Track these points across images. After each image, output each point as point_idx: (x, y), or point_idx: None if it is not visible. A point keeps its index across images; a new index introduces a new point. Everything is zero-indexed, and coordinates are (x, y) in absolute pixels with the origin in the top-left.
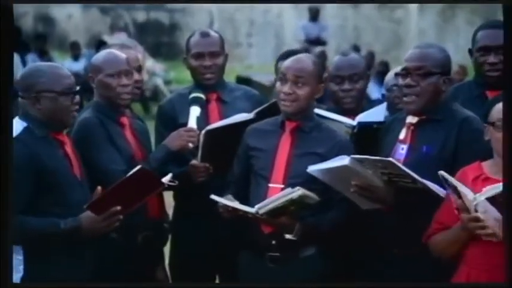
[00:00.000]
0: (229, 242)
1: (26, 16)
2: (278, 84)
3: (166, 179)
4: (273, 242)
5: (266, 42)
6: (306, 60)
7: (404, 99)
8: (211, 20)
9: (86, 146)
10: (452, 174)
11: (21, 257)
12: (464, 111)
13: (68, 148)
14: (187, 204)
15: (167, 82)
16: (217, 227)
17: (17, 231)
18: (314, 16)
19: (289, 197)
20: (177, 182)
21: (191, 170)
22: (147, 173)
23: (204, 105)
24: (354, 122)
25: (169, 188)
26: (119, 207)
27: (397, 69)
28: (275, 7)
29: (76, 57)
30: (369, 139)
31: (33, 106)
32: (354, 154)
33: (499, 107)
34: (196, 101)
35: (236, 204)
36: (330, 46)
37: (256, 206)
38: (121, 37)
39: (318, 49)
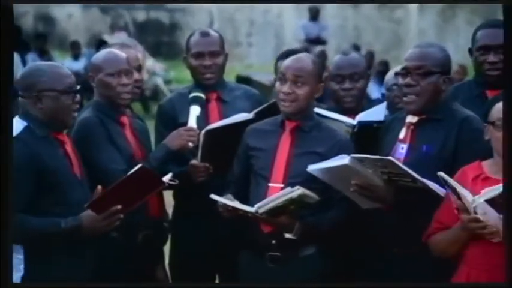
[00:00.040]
0: (229, 241)
1: (26, 15)
2: (277, 84)
3: (166, 178)
4: (273, 241)
5: (266, 41)
6: (305, 59)
7: (404, 98)
8: (212, 19)
9: (86, 145)
10: (452, 173)
11: (21, 256)
12: (464, 111)
13: (68, 147)
14: (187, 203)
15: (167, 81)
16: (217, 227)
17: (17, 230)
18: (314, 16)
19: (289, 196)
20: (177, 181)
21: (191, 169)
22: (148, 171)
23: (204, 104)
24: (354, 121)
25: (169, 187)
26: (119, 206)
27: (397, 68)
28: (275, 7)
29: (76, 57)
30: (369, 138)
31: (35, 105)
32: (353, 153)
33: (499, 106)
34: (196, 101)
35: (236, 204)
36: (330, 46)
37: (256, 205)
38: (121, 36)
39: (318, 49)
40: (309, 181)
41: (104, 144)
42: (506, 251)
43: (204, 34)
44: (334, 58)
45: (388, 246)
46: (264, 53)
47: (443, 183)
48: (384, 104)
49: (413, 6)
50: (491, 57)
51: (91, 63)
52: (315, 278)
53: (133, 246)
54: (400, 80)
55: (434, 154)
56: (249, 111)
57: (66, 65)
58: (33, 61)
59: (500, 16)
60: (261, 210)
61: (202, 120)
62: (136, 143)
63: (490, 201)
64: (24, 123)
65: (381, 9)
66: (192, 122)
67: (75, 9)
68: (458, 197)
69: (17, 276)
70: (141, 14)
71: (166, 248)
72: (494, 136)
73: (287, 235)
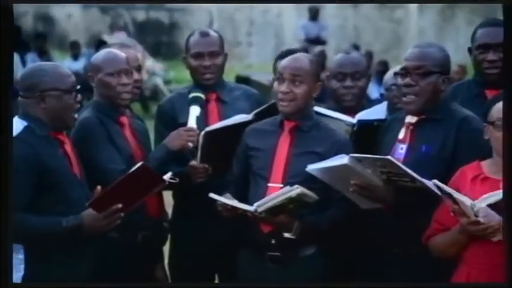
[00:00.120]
0: (229, 241)
1: (25, 15)
2: (275, 83)
3: (167, 177)
4: (273, 241)
5: (266, 41)
6: (302, 59)
7: (404, 98)
8: (211, 19)
9: (85, 145)
10: (452, 173)
11: (22, 256)
12: (463, 111)
13: (68, 147)
14: (187, 203)
15: (167, 81)
16: (216, 227)
17: (18, 230)
18: (314, 16)
19: (288, 195)
20: (177, 179)
21: (190, 170)
22: (149, 169)
23: (203, 105)
24: (354, 120)
25: (169, 187)
26: (120, 205)
27: (396, 68)
28: (275, 6)
29: (76, 57)
30: (369, 137)
31: (37, 105)
32: (353, 153)
33: (498, 106)
34: (196, 101)
35: (235, 203)
36: (330, 46)
37: (255, 204)
38: (121, 36)
39: (317, 49)
40: (308, 181)
41: (103, 144)
42: (506, 251)
43: (204, 34)
44: (335, 56)
45: (387, 246)
46: (264, 52)
47: (437, 191)
48: (385, 103)
49: (413, 6)
50: (491, 56)
51: (91, 63)
52: (314, 278)
53: (132, 246)
54: (400, 80)
55: (433, 154)
56: (248, 112)
57: (66, 65)
58: (33, 61)
59: (500, 16)
60: (260, 209)
61: (202, 120)
62: (136, 143)
63: (491, 204)
64: (24, 123)
65: (381, 9)
66: (192, 122)
67: (74, 9)
68: (454, 201)
69: (17, 276)
70: (140, 14)
71: (166, 248)
72: (494, 136)
73: (286, 234)
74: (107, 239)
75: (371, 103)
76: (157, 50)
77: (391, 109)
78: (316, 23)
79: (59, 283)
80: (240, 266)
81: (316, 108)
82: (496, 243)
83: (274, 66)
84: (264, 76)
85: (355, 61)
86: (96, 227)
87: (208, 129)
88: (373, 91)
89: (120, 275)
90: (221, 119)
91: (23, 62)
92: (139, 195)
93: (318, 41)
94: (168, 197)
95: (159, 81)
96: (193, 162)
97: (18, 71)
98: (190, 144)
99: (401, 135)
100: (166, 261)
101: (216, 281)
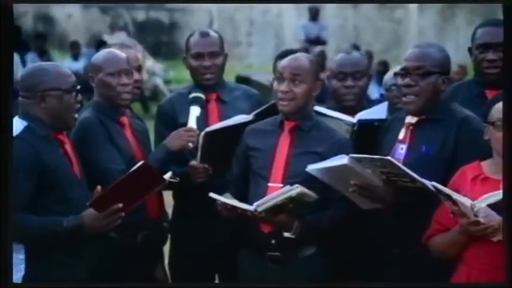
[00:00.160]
0: (229, 241)
1: (26, 15)
2: (275, 83)
3: (167, 176)
4: (273, 241)
5: (266, 41)
6: (302, 58)
7: (404, 99)
8: (211, 19)
9: (85, 145)
10: (452, 173)
11: (23, 256)
12: (463, 111)
13: (68, 147)
14: (187, 203)
15: (167, 82)
16: (216, 227)
17: (19, 229)
18: (314, 16)
19: (288, 194)
20: (178, 178)
21: (190, 171)
22: (149, 168)
23: (203, 105)
24: (354, 120)
25: (169, 187)
26: (120, 205)
27: (396, 68)
28: (275, 7)
29: (76, 57)
30: (369, 137)
31: (38, 105)
32: (353, 153)
33: (499, 106)
34: (196, 101)
35: (235, 202)
36: (330, 46)
37: (255, 204)
38: (121, 36)
39: (317, 49)
40: (308, 181)
41: (103, 144)
42: (506, 251)
43: (204, 34)
44: (336, 56)
45: (387, 246)
46: (264, 53)
47: (436, 193)
48: (385, 103)
49: (413, 6)
50: (490, 55)
51: (91, 63)
52: (314, 278)
53: (133, 246)
54: (399, 80)
55: (433, 154)
56: (248, 112)
57: (66, 65)
58: (33, 61)
59: (500, 16)
60: (260, 209)
61: (202, 120)
62: (136, 143)
63: (491, 205)
64: (25, 123)
65: (381, 9)
66: (192, 123)
67: (74, 9)
68: (454, 203)
69: (18, 276)
70: (140, 14)
71: (166, 248)
72: (494, 136)
73: (286, 234)
74: (107, 239)
75: (371, 103)
76: (157, 50)
77: (391, 109)
78: (316, 23)
79: (59, 283)
80: (240, 266)
81: (317, 108)
82: (496, 243)
83: (274, 66)
84: (264, 76)
85: (356, 61)
86: (96, 227)
87: (208, 129)
88: (373, 91)
89: (120, 275)
90: (221, 119)
91: (23, 62)
92: (139, 195)
93: (318, 41)
94: (168, 197)
95: (159, 81)
96: (193, 163)
97: (18, 71)
98: (191, 145)
99: (401, 136)
100: (166, 261)
101: (216, 281)
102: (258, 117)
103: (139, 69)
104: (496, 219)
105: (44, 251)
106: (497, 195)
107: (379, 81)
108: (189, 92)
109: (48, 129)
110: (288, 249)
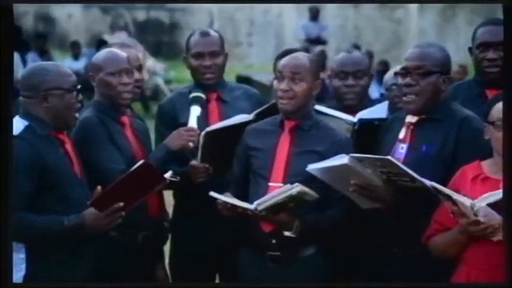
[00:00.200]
0: (229, 241)
1: (26, 15)
2: (275, 82)
3: (167, 175)
4: (273, 241)
5: (266, 41)
6: (301, 57)
7: (404, 98)
8: (212, 19)
9: (86, 145)
10: (452, 173)
11: (23, 256)
12: (464, 111)
13: (68, 147)
14: (187, 203)
15: (167, 81)
16: (217, 226)
17: (20, 228)
18: (314, 16)
19: (289, 193)
20: (178, 177)
21: (191, 170)
22: (150, 167)
23: (204, 104)
24: (355, 119)
25: (169, 186)
26: (121, 204)
27: (397, 68)
28: (275, 7)
29: (76, 57)
30: (370, 136)
31: (39, 105)
32: (353, 152)
33: (499, 106)
34: (196, 101)
35: (235, 201)
36: (330, 46)
37: (255, 202)
38: (121, 36)
39: (318, 48)
40: (309, 180)
41: (104, 144)
42: (506, 251)
43: (204, 34)
44: (337, 55)
45: (387, 246)
46: (264, 52)
47: (436, 193)
48: (386, 102)
49: (414, 6)
50: (491, 54)
51: (92, 63)
52: (315, 278)
53: (133, 246)
54: (400, 80)
55: (433, 154)
56: (249, 111)
57: (67, 64)
58: (34, 61)
59: (500, 16)
60: (260, 207)
61: (203, 120)
62: (137, 143)
63: (491, 204)
64: (25, 123)
65: (381, 9)
66: (193, 122)
67: (75, 9)
68: (454, 203)
69: (19, 275)
70: (141, 14)
71: (166, 248)
72: (494, 136)
73: (286, 233)
74: (108, 238)
75: (371, 103)
76: (158, 50)
77: (391, 109)
78: (317, 23)
79: (59, 283)
80: (241, 265)
81: (317, 107)
82: (496, 243)
83: (274, 66)
84: (264, 76)
85: (357, 60)
86: (97, 226)
87: (208, 129)
88: (374, 91)
89: (121, 275)
90: (222, 118)
91: (24, 62)
92: (140, 194)
93: (318, 41)
94: (168, 196)
95: (159, 81)
96: (193, 162)
97: (19, 70)
98: (191, 144)
99: (401, 135)
100: (166, 261)
101: (217, 281)
102: (259, 117)
103: (139, 68)
104: (496, 218)
105: (45, 250)
106: (496, 194)
107: (380, 81)
108: (190, 92)
109: (49, 128)
110: (288, 249)
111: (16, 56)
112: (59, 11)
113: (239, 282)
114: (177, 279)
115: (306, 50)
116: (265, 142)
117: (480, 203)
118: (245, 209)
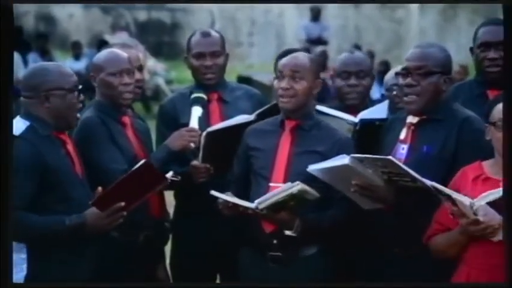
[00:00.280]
0: (230, 241)
1: (27, 15)
2: (276, 82)
3: (168, 175)
4: (274, 241)
5: (267, 41)
6: (301, 56)
7: (405, 98)
8: (213, 19)
9: (87, 145)
10: (453, 174)
11: (25, 256)
12: (465, 111)
13: (70, 147)
14: (188, 203)
15: (168, 81)
16: (218, 226)
17: (21, 228)
18: (315, 16)
19: (289, 191)
20: (179, 177)
21: (192, 170)
22: (151, 167)
23: (205, 105)
24: (356, 119)
25: (170, 187)
26: (122, 203)
27: (397, 68)
28: (276, 7)
29: (77, 57)
30: (371, 136)
31: (41, 105)
32: (353, 152)
33: (500, 106)
34: (197, 101)
35: (236, 200)
36: (331, 46)
37: (256, 201)
38: (122, 36)
39: (319, 48)
40: (310, 180)
41: (105, 144)
42: (506, 251)
43: (205, 34)
44: (340, 55)
45: (388, 246)
46: (265, 53)
47: (436, 193)
48: (386, 102)
49: (414, 6)
50: (492, 54)
51: (93, 63)
52: (315, 278)
53: (134, 246)
54: (401, 80)
55: (434, 154)
56: (250, 112)
57: (68, 65)
58: (35, 61)
59: (501, 16)
60: (261, 206)
61: (204, 120)
62: (138, 143)
63: (491, 203)
64: (27, 123)
65: (382, 9)
66: (194, 123)
67: (76, 9)
68: (454, 203)
69: (20, 275)
70: (142, 14)
71: (167, 248)
72: (495, 136)
73: (287, 232)
74: (109, 238)
75: (372, 103)
76: (159, 50)
77: (392, 109)
78: (318, 23)
79: (60, 283)
80: (242, 265)
81: (318, 107)
82: (496, 243)
83: (275, 66)
84: (265, 76)
85: (360, 60)
86: (99, 226)
87: (210, 129)
88: (375, 91)
89: (122, 275)
90: (223, 119)
91: (25, 62)
92: (141, 194)
93: (319, 41)
94: (169, 197)
95: (160, 81)
96: (195, 162)
97: (20, 71)
98: (192, 145)
99: (402, 136)
100: (167, 261)
101: (218, 281)
102: (260, 117)
103: (140, 68)
104: (495, 218)
105: (46, 250)
106: (496, 193)
107: (380, 81)
108: (191, 92)
109: (50, 129)
110: (289, 249)
111: (17, 56)
112: (59, 11)
113: (240, 282)
114: (178, 279)
115: (307, 50)
116: (265, 142)
117: (479, 201)
118: (246, 208)
